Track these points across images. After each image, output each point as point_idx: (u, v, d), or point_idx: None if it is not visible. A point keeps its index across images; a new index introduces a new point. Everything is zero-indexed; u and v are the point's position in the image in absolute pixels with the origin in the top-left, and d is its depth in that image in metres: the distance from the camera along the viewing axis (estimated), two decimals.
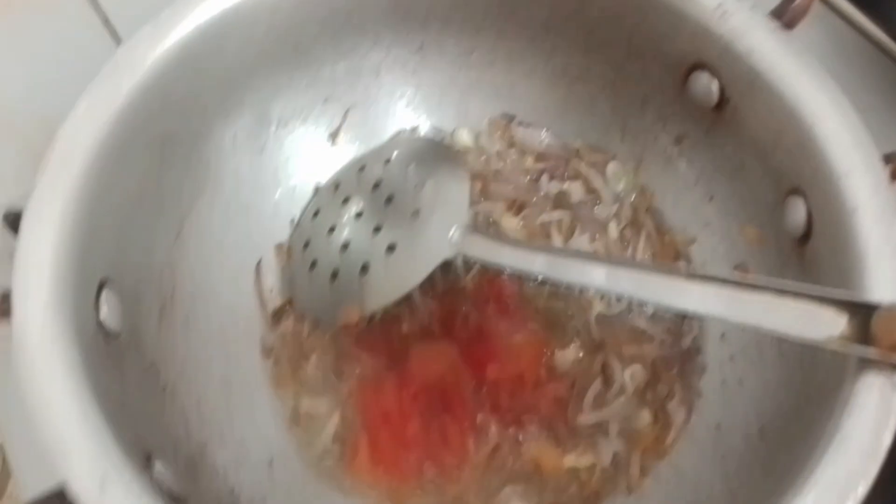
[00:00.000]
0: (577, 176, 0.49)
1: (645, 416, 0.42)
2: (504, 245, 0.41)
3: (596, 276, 0.37)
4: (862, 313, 0.30)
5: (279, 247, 0.47)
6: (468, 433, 0.42)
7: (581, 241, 0.47)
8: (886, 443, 0.29)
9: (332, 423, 0.43)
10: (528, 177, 0.49)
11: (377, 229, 0.44)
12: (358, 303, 0.43)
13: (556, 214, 0.48)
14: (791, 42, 0.38)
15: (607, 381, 0.43)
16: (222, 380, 0.42)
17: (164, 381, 0.39)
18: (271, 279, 0.46)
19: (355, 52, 0.47)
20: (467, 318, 0.45)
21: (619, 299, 0.45)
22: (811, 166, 0.36)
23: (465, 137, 0.50)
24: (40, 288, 0.32)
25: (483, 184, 0.49)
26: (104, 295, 0.36)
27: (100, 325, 0.35)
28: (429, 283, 0.45)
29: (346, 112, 0.49)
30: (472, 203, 0.47)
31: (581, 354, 0.44)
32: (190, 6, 0.40)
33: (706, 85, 0.41)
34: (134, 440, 0.32)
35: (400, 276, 0.42)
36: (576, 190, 0.48)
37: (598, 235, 0.47)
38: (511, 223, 0.48)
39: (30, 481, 0.44)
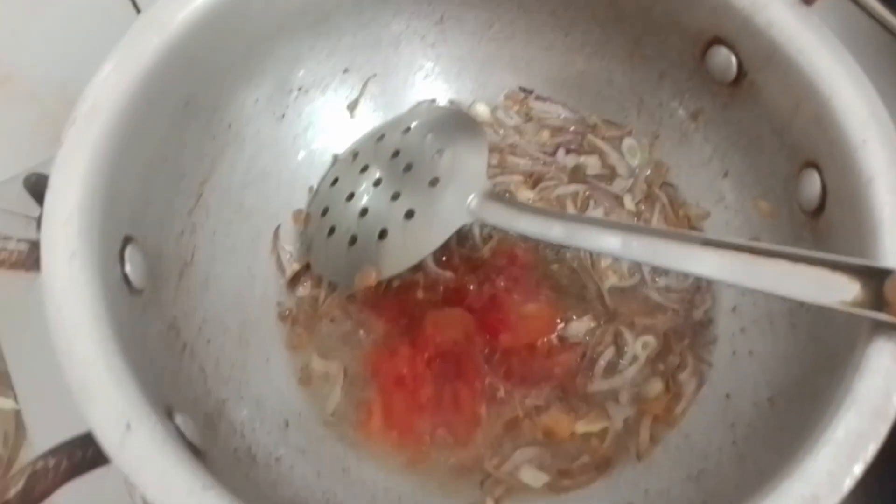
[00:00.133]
0: (593, 150, 0.49)
1: (656, 386, 0.43)
2: (521, 212, 0.41)
3: (612, 243, 0.38)
4: (875, 279, 0.31)
5: (297, 213, 0.47)
6: (480, 399, 0.43)
7: (596, 214, 0.48)
8: None
9: (346, 385, 0.44)
10: (545, 150, 0.50)
11: (395, 196, 0.44)
12: (375, 267, 0.43)
13: (572, 188, 0.48)
14: (810, 16, 0.38)
15: (619, 351, 0.44)
16: (240, 341, 0.43)
17: (183, 340, 0.40)
18: (289, 245, 0.47)
19: (376, 22, 0.48)
20: (482, 287, 0.45)
21: (632, 274, 0.46)
22: (828, 138, 0.36)
23: (482, 111, 0.51)
24: (68, 238, 0.33)
25: (500, 157, 0.50)
26: (128, 252, 0.36)
27: (124, 278, 0.35)
28: (445, 252, 0.46)
29: (366, 83, 0.50)
30: (489, 176, 0.48)
31: (594, 325, 0.45)
32: None
33: (725, 59, 0.42)
34: (156, 393, 0.33)
35: (418, 241, 0.43)
36: (592, 164, 0.49)
37: (613, 209, 0.48)
38: (527, 196, 0.48)
39: (44, 445, 0.45)
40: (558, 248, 0.46)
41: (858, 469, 0.29)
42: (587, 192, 0.48)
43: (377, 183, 0.46)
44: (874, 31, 0.57)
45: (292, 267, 0.47)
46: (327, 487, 0.40)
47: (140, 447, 0.30)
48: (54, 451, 0.33)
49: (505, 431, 0.43)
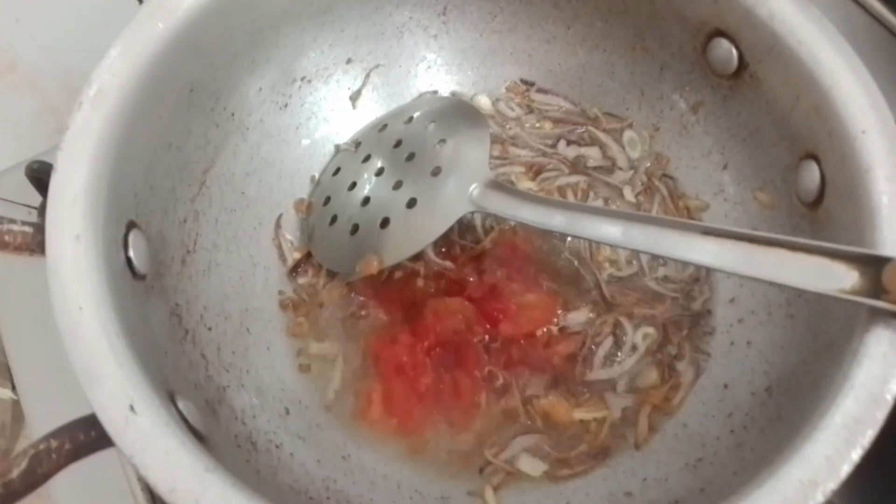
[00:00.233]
0: (593, 142, 0.50)
1: (654, 375, 0.43)
2: (523, 200, 0.41)
3: (613, 232, 0.38)
4: (873, 267, 0.31)
5: (299, 201, 0.48)
6: (480, 388, 0.43)
7: (596, 205, 0.48)
8: (894, 390, 0.30)
9: (346, 373, 0.44)
10: (546, 142, 0.50)
11: (398, 185, 0.45)
12: (377, 255, 0.43)
13: (573, 179, 0.49)
14: (810, 7, 0.38)
15: (618, 340, 0.44)
16: (241, 329, 0.43)
17: (185, 326, 0.40)
18: (291, 234, 0.47)
19: (379, 13, 0.48)
20: (482, 276, 0.45)
21: (629, 262, 0.46)
22: (827, 129, 0.37)
23: (484, 103, 0.51)
24: (73, 220, 0.33)
25: (501, 148, 0.50)
26: (131, 237, 0.36)
27: (128, 262, 0.36)
28: (446, 243, 0.46)
29: (368, 74, 0.50)
30: (491, 167, 0.48)
31: (593, 315, 0.45)
32: None
33: (726, 51, 0.42)
34: (158, 377, 0.33)
35: (420, 229, 0.43)
36: (592, 155, 0.49)
37: (613, 200, 0.48)
38: (528, 186, 0.49)
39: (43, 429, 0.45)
40: (559, 238, 0.46)
41: (856, 455, 0.29)
42: (587, 184, 0.49)
43: (379, 172, 0.46)
44: (872, 28, 0.57)
45: (294, 256, 0.47)
46: (327, 474, 0.41)
47: (144, 429, 0.30)
48: (56, 433, 0.33)
49: (504, 419, 0.43)
